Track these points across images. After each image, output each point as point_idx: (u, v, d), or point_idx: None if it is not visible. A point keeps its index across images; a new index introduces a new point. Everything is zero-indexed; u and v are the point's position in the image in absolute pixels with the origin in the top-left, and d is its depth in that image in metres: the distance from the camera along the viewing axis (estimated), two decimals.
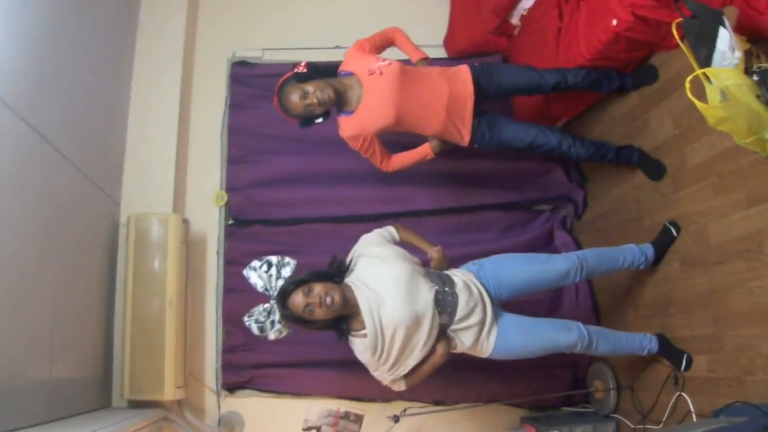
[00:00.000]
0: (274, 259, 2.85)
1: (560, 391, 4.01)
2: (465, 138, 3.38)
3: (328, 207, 4.13)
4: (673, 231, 3.16)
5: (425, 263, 2.99)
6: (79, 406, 3.19)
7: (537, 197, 4.31)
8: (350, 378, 3.93)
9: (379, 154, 3.38)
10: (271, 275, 2.81)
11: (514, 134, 3.45)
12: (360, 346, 2.74)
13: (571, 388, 4.03)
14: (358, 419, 3.99)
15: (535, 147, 3.47)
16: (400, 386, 2.90)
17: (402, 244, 3.05)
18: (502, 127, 3.43)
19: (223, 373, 3.97)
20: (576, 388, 4.04)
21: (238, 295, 3.94)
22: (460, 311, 2.78)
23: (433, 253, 3.02)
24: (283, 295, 2.69)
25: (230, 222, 4.12)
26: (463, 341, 2.85)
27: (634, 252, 3.21)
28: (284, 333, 2.84)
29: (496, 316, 2.90)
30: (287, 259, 2.86)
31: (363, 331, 2.70)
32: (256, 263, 2.86)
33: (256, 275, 2.85)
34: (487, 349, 2.89)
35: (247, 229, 4.09)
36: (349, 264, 2.87)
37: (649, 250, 3.23)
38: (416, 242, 3.12)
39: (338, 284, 2.73)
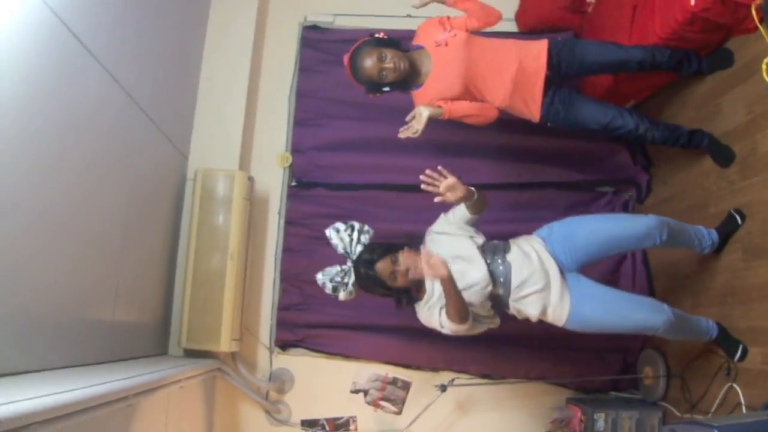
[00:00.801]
0: (357, 224, 2.97)
1: (609, 375, 3.98)
2: (534, 114, 3.31)
3: (391, 174, 4.15)
4: (738, 219, 3.09)
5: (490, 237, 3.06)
6: (137, 350, 3.33)
7: (600, 178, 4.26)
8: (400, 344, 4.02)
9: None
10: (352, 239, 2.93)
11: (592, 115, 3.34)
12: (421, 306, 2.91)
13: (621, 373, 4.00)
14: (406, 386, 4.03)
15: (611, 129, 3.36)
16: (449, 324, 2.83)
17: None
18: (580, 107, 3.33)
19: (277, 330, 4.07)
20: (626, 373, 4.01)
21: (296, 255, 4.03)
22: (515, 279, 2.81)
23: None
24: (369, 262, 2.84)
25: (293, 183, 4.18)
26: (530, 312, 2.88)
27: (704, 233, 3.17)
28: (353, 295, 2.98)
29: (569, 283, 2.88)
30: (367, 227, 2.98)
31: (424, 295, 2.88)
32: (340, 225, 2.98)
33: (338, 237, 2.96)
34: (560, 317, 2.87)
35: (309, 191, 4.15)
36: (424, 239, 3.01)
37: (714, 235, 3.17)
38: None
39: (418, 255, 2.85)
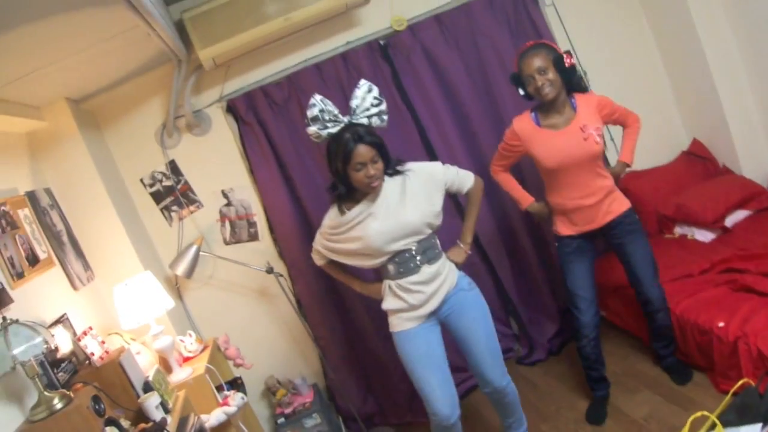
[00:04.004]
0: (385, 106, 2.81)
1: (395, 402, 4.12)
2: (559, 232, 3.31)
3: (434, 131, 4.13)
4: None
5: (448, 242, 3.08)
6: None
7: (522, 318, 4.35)
8: (296, 221, 3.99)
9: (506, 162, 3.42)
10: (370, 109, 2.76)
11: (576, 280, 3.31)
12: (332, 213, 2.90)
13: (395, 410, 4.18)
14: (253, 238, 4.04)
15: (570, 301, 3.36)
16: (319, 261, 3.14)
17: (462, 198, 3.12)
18: (580, 266, 3.30)
19: (242, 96, 3.95)
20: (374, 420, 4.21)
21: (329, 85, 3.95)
22: (405, 281, 2.84)
23: (462, 243, 3.11)
24: (361, 137, 2.70)
25: (382, 42, 4.06)
26: (387, 300, 2.92)
27: (522, 427, 3.25)
28: (318, 140, 2.81)
29: (427, 323, 2.92)
30: (387, 118, 2.82)
31: (346, 211, 2.83)
32: (376, 92, 2.79)
33: (364, 93, 2.77)
34: (395, 327, 2.94)
35: (384, 60, 4.08)
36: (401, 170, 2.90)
37: None
38: (468, 220, 3.14)
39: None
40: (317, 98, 2.77)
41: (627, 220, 3.23)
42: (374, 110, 2.77)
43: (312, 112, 2.75)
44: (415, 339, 2.90)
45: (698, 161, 4.51)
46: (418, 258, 2.84)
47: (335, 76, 3.97)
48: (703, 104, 4.38)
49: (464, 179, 3.05)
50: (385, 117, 2.82)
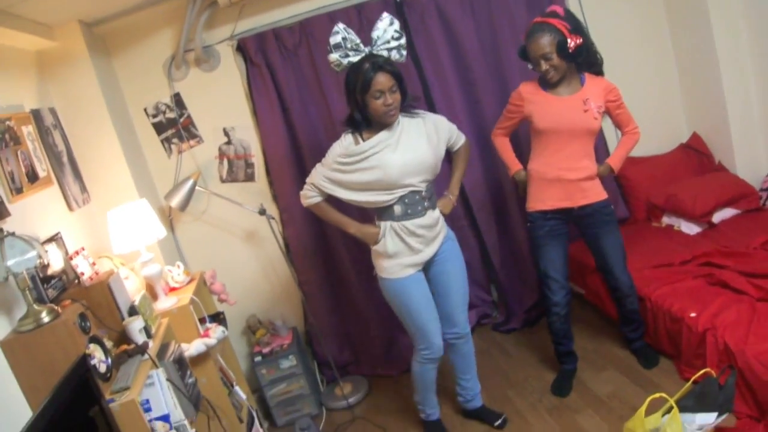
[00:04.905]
0: (404, 40, 2.85)
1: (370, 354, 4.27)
2: (529, 206, 3.38)
3: (439, 92, 4.15)
4: (499, 422, 3.36)
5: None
6: None
7: (506, 292, 4.43)
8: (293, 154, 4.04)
9: (508, 124, 3.46)
10: (390, 42, 2.81)
11: (548, 261, 3.38)
12: (345, 141, 2.91)
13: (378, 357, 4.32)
14: (249, 177, 4.08)
15: (542, 280, 3.45)
16: (312, 199, 3.05)
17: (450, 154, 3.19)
18: (550, 250, 3.37)
19: (253, 37, 3.94)
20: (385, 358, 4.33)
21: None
22: (411, 222, 2.92)
23: (451, 195, 3.20)
24: (381, 65, 2.76)
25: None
26: (387, 243, 2.95)
27: (477, 390, 3.41)
28: (338, 68, 2.86)
29: (416, 272, 3.01)
30: (405, 52, 2.87)
31: (362, 141, 2.87)
32: (397, 24, 2.83)
33: (385, 26, 2.81)
34: (392, 274, 2.99)
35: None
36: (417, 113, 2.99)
37: (478, 403, 3.43)
38: (456, 172, 3.24)
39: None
40: (340, 26, 2.83)
41: (604, 210, 3.30)
42: (394, 43, 2.83)
43: (335, 39, 2.80)
44: (417, 284, 3.03)
45: (695, 155, 4.55)
46: (426, 202, 2.93)
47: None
48: (707, 100, 4.41)
49: (459, 136, 3.18)
50: (404, 52, 2.88)
